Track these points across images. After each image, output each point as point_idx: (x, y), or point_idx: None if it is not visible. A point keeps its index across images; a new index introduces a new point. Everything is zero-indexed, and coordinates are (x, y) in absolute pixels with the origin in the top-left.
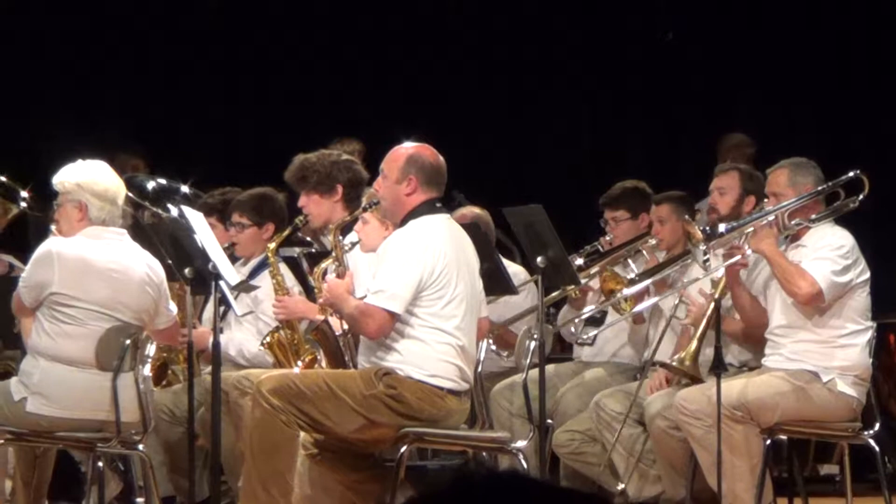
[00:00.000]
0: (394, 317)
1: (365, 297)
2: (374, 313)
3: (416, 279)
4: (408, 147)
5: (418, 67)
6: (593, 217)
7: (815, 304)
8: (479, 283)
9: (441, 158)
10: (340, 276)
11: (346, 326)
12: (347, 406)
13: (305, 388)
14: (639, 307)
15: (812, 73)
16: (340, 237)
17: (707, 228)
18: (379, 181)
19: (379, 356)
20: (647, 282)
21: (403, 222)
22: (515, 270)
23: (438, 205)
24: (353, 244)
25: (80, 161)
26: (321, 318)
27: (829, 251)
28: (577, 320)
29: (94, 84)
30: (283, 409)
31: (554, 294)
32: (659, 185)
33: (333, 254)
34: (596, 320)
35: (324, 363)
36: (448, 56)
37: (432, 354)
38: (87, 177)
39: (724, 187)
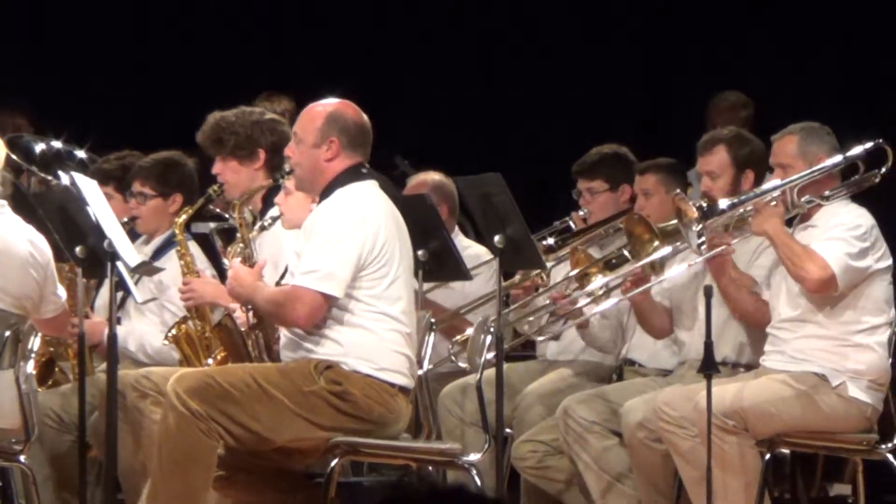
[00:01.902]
0: (328, 300)
1: (282, 279)
2: (303, 296)
3: (355, 256)
4: (325, 104)
5: (358, 10)
6: (565, 188)
7: (827, 292)
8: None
9: (365, 116)
10: (246, 260)
11: (253, 321)
12: (283, 406)
13: (230, 386)
14: (610, 301)
15: (828, 19)
16: (249, 212)
17: (703, 204)
18: (291, 146)
19: (308, 348)
20: (633, 266)
21: (326, 193)
22: (478, 252)
23: (364, 170)
24: (274, 219)
25: None
26: (234, 306)
27: (843, 231)
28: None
29: None
30: (202, 415)
31: (515, 279)
32: (644, 152)
33: (238, 233)
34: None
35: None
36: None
37: (381, 344)
38: None
39: (713, 170)
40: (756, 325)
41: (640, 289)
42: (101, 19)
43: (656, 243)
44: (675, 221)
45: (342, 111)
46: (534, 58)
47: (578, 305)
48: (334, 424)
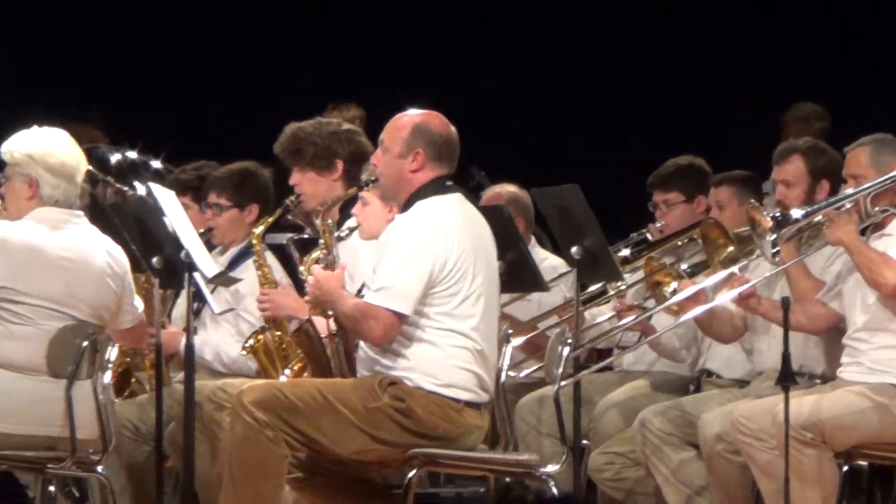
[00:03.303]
0: (401, 318)
1: (360, 293)
2: (378, 315)
3: (426, 274)
4: (413, 115)
5: (429, 18)
6: (641, 200)
7: None
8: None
9: (452, 128)
10: (329, 267)
11: (333, 328)
12: (347, 421)
13: (296, 399)
14: (693, 311)
15: None
16: (331, 220)
17: (777, 215)
18: (378, 154)
19: (384, 363)
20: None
21: (408, 204)
22: (555, 264)
23: (449, 183)
24: (351, 230)
25: (35, 128)
26: (307, 317)
27: None
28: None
29: (46, 43)
30: (269, 424)
31: (592, 289)
32: (719, 163)
33: (321, 240)
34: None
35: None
36: (466, 5)
37: (446, 361)
38: (40, 147)
39: (789, 178)
40: (810, 332)
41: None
42: (178, 31)
43: (731, 248)
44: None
45: (429, 122)
46: (612, 71)
47: (645, 315)
48: (398, 440)
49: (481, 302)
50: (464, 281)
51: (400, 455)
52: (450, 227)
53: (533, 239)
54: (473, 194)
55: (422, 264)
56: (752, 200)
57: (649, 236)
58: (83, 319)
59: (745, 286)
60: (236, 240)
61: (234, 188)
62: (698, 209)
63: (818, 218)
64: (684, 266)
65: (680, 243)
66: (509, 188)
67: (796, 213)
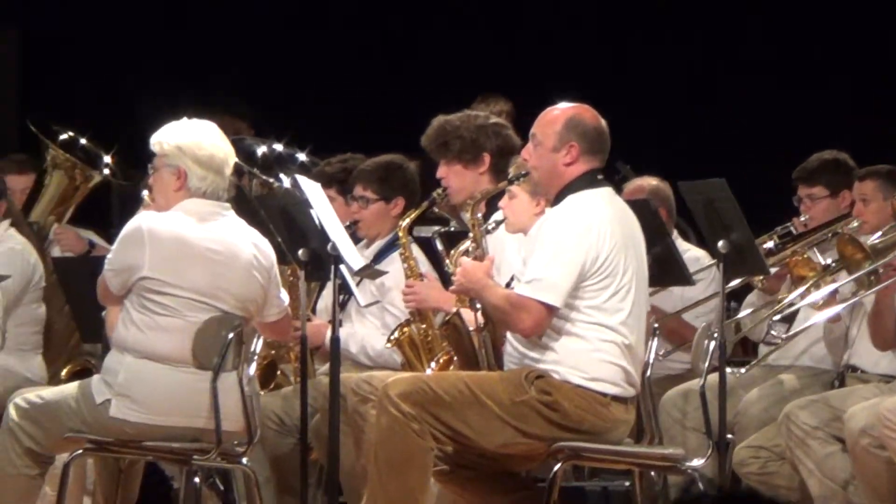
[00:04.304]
0: (551, 311)
1: (509, 285)
2: (530, 306)
3: (578, 267)
4: (564, 108)
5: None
6: (786, 194)
7: None
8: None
9: (603, 121)
10: (478, 260)
11: (480, 320)
12: (493, 414)
13: (443, 392)
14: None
15: None
16: (480, 214)
17: None
18: (529, 148)
19: (532, 356)
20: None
21: (559, 198)
22: (697, 255)
23: (600, 177)
24: (498, 223)
25: (184, 120)
26: (454, 309)
27: None
28: (771, 320)
29: (194, 35)
30: (415, 417)
31: (734, 283)
32: (863, 158)
33: (471, 233)
34: (786, 316)
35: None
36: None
37: (594, 355)
38: (190, 139)
39: None
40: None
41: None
42: (321, 24)
43: (868, 263)
44: (885, 237)
45: (582, 115)
46: (754, 64)
47: (794, 308)
48: (544, 434)
49: (630, 296)
50: (614, 275)
51: (545, 448)
52: (602, 220)
53: (675, 231)
54: (616, 188)
55: (574, 258)
56: None
57: (793, 230)
58: (229, 311)
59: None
60: (382, 232)
61: (381, 181)
62: (843, 203)
63: None
64: (828, 260)
65: (823, 237)
66: (651, 181)
67: None
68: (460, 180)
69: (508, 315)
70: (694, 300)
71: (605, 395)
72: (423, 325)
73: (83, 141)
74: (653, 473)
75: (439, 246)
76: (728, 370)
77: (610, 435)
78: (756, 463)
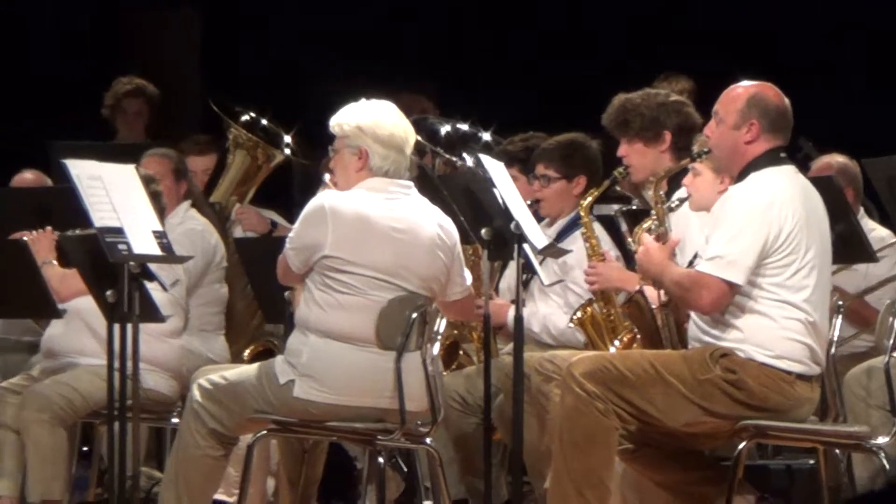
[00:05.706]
0: (733, 288)
1: (692, 263)
2: (710, 283)
3: (760, 244)
4: (747, 86)
5: None
6: None
7: None
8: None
9: (786, 100)
10: (660, 238)
11: (664, 298)
12: (678, 393)
13: (627, 370)
14: None
15: None
16: (663, 192)
17: None
18: (711, 126)
19: (715, 335)
20: None
21: (742, 175)
22: (882, 234)
23: (783, 155)
24: (681, 201)
25: (363, 101)
26: (636, 288)
27: None
28: None
29: (376, 14)
30: (599, 396)
31: None
32: None
33: (653, 212)
34: None
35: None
36: None
37: (779, 332)
38: (370, 119)
39: None
40: None
41: None
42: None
43: None
44: None
45: (764, 93)
46: None
47: None
48: (729, 412)
49: (814, 273)
50: (797, 252)
51: (730, 427)
52: (784, 197)
53: (861, 210)
54: (801, 166)
55: (756, 234)
56: None
57: None
58: (413, 291)
59: None
60: (563, 211)
61: (563, 159)
62: None
63: None
64: None
65: None
66: (839, 158)
67: None
68: (641, 158)
69: (688, 292)
70: (878, 279)
71: (790, 373)
72: (606, 305)
73: (264, 121)
74: (837, 451)
75: (622, 224)
76: None
77: (794, 413)
78: None
